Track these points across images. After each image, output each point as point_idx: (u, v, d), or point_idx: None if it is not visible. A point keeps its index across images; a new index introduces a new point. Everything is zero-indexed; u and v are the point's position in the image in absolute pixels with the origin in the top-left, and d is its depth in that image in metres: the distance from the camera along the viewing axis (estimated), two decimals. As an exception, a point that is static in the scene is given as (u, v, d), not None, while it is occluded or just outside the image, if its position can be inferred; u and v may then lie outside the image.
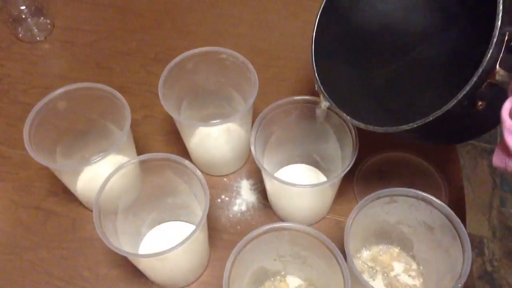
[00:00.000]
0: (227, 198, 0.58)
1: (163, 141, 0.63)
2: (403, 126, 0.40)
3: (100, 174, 0.55)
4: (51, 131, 0.52)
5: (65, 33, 0.74)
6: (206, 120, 0.62)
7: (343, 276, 0.40)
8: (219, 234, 0.56)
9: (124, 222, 0.50)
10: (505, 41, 0.36)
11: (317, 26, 0.48)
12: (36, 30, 0.72)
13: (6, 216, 0.57)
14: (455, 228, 0.43)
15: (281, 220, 0.56)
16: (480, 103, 0.38)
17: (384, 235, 0.52)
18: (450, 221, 0.44)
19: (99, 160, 0.49)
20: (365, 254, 0.52)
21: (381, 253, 0.52)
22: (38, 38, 0.72)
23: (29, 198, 0.58)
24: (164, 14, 0.76)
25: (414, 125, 0.40)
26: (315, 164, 0.58)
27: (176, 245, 0.42)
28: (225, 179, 0.60)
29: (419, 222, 0.47)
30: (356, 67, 0.51)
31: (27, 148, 0.48)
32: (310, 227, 0.43)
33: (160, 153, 0.47)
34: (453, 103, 0.37)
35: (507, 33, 0.35)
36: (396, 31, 0.51)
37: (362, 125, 0.44)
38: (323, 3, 0.48)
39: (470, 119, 0.42)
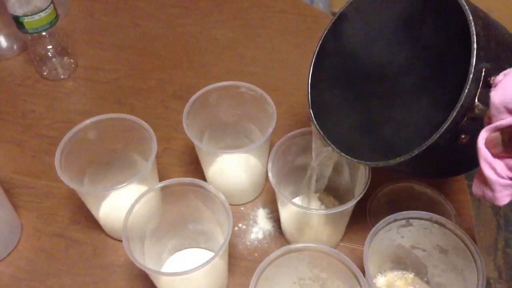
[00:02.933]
0: (244, 226, 0.60)
1: (182, 171, 0.65)
2: (391, 161, 0.41)
3: (122, 202, 0.57)
4: (79, 160, 0.55)
5: (87, 72, 0.78)
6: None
7: (364, 293, 0.42)
8: (237, 261, 0.57)
9: (148, 247, 0.51)
10: (482, 77, 0.37)
11: (312, 67, 0.52)
12: (60, 69, 0.76)
13: (29, 243, 0.58)
14: (469, 249, 0.45)
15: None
16: (463, 136, 0.39)
17: (398, 261, 0.53)
18: (463, 242, 0.45)
19: (125, 186, 0.51)
20: (381, 280, 0.53)
21: (396, 279, 0.53)
22: (62, 76, 0.76)
23: (52, 227, 0.60)
24: (181, 55, 0.80)
25: (401, 159, 0.41)
26: (329, 193, 0.60)
27: (201, 265, 0.44)
28: (242, 208, 0.62)
29: (433, 245, 0.49)
30: (349, 102, 0.53)
31: (58, 172, 0.50)
32: (331, 248, 0.44)
33: (185, 178, 0.50)
34: (435, 138, 0.38)
35: (484, 69, 0.37)
36: (383, 64, 0.52)
37: (354, 161, 0.45)
38: (318, 47, 0.52)
39: (458, 152, 0.42)
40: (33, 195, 0.63)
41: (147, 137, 0.54)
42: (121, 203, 0.57)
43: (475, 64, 0.37)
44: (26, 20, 0.67)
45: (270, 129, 0.54)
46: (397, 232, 0.49)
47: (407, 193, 0.63)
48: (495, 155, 0.34)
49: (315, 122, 0.49)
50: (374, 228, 0.46)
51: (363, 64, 0.53)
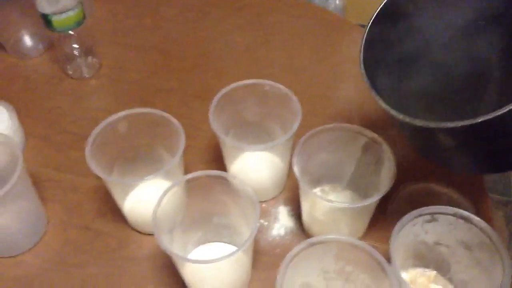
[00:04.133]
0: (266, 223, 0.61)
1: (204, 169, 0.66)
2: (447, 123, 0.38)
3: (148, 195, 0.58)
4: (108, 153, 0.56)
5: (111, 72, 0.79)
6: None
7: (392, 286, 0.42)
8: (259, 256, 0.58)
9: (175, 239, 0.52)
10: None
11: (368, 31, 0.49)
12: (85, 68, 0.78)
13: (56, 235, 0.59)
14: (495, 245, 0.46)
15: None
16: None
17: (421, 257, 0.54)
18: (490, 238, 0.46)
19: (151, 178, 0.52)
20: (403, 277, 0.54)
21: (418, 276, 0.54)
22: (86, 75, 0.78)
23: (78, 219, 0.61)
24: (202, 57, 0.82)
25: (459, 124, 0.38)
26: (351, 189, 0.61)
27: (231, 253, 0.45)
28: (263, 205, 0.63)
29: (457, 241, 0.50)
30: (407, 70, 0.52)
31: (88, 161, 0.51)
32: (358, 240, 0.45)
33: (213, 171, 0.51)
34: (508, 109, 0.36)
35: None
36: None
37: (400, 116, 0.43)
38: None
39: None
40: (59, 189, 0.64)
41: (174, 132, 0.55)
42: (146, 196, 0.58)
43: None
44: (54, 18, 0.69)
45: (296, 125, 0.55)
46: (421, 227, 0.49)
47: (427, 194, 0.63)
48: None
49: (366, 77, 0.47)
50: (400, 221, 0.47)
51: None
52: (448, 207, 0.48)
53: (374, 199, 0.49)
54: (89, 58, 0.78)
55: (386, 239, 0.58)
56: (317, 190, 0.61)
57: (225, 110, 0.59)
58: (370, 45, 0.49)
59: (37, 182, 0.64)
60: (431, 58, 0.54)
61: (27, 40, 0.82)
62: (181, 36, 0.86)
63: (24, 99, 0.75)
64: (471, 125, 0.37)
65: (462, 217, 0.47)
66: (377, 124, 0.68)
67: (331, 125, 0.55)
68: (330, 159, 0.58)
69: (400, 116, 0.43)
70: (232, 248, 0.57)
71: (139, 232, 0.60)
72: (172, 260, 0.51)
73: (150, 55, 0.82)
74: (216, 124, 0.56)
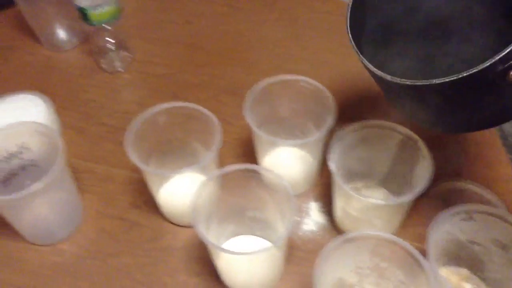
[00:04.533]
0: (297, 218, 0.62)
1: (236, 163, 0.66)
2: (434, 80, 0.40)
3: (182, 188, 0.59)
4: (145, 145, 0.57)
5: (143, 66, 0.80)
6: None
7: (429, 281, 0.42)
8: (291, 250, 0.58)
9: (209, 231, 0.53)
10: None
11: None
12: (117, 61, 0.79)
13: (91, 224, 0.61)
14: (531, 245, 0.46)
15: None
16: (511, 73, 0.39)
17: (453, 256, 0.54)
18: (526, 237, 0.46)
19: (188, 170, 0.53)
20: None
21: (450, 274, 0.54)
22: (119, 69, 0.79)
23: (113, 209, 0.62)
24: (231, 52, 0.83)
25: (445, 79, 0.40)
26: (384, 186, 0.61)
27: (268, 247, 0.45)
28: (294, 200, 0.63)
29: (492, 240, 0.50)
30: (385, 39, 0.54)
31: (127, 152, 0.52)
32: (395, 236, 0.45)
33: (250, 164, 0.52)
34: (490, 63, 0.38)
35: None
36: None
37: (388, 77, 0.44)
38: None
39: (496, 94, 0.43)
40: (94, 179, 0.65)
41: (210, 127, 0.56)
42: (181, 189, 0.59)
43: None
44: (91, 12, 0.70)
45: (331, 122, 0.55)
46: (457, 226, 0.49)
47: (459, 192, 0.63)
48: None
49: (353, 43, 0.49)
50: (437, 218, 0.47)
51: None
52: (485, 206, 0.48)
53: (411, 197, 0.50)
54: (122, 52, 0.79)
55: (418, 237, 0.58)
56: (349, 187, 0.61)
57: (258, 105, 0.60)
58: (356, 11, 0.50)
59: (73, 172, 0.65)
60: (412, 22, 0.56)
61: (62, 33, 0.83)
62: (211, 31, 0.87)
63: (59, 91, 0.76)
64: (456, 81, 0.39)
65: (499, 217, 0.47)
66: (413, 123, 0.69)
67: (366, 122, 0.55)
68: (364, 156, 0.58)
69: (388, 77, 0.44)
70: (265, 241, 0.58)
71: (173, 224, 0.61)
72: (206, 251, 0.52)
73: (180, 50, 0.83)
74: (250, 118, 0.57)
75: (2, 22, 0.88)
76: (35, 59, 0.82)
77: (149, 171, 0.54)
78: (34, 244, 0.59)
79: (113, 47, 0.78)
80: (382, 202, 0.52)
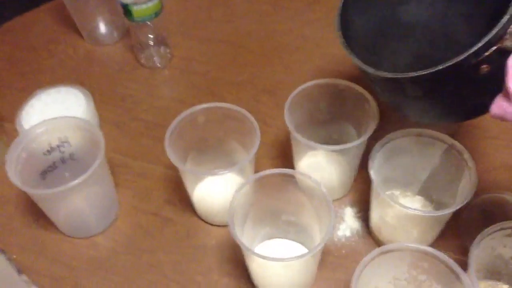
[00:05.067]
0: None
1: (272, 164, 0.67)
2: (412, 73, 0.43)
3: (217, 187, 0.59)
4: (184, 144, 0.57)
5: (182, 63, 0.81)
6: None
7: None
8: (325, 256, 0.58)
9: (244, 233, 0.53)
10: None
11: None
12: (157, 57, 0.79)
13: (127, 220, 0.61)
14: None
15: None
16: (485, 66, 0.41)
17: (493, 271, 0.52)
18: None
19: (226, 172, 0.53)
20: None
21: (489, 288, 0.52)
22: (158, 65, 0.79)
23: (148, 205, 0.62)
24: (273, 52, 0.82)
25: (422, 72, 0.42)
26: (422, 195, 0.60)
27: (304, 254, 0.45)
28: (330, 205, 0.62)
29: (536, 258, 0.48)
30: (375, 36, 0.57)
31: (167, 150, 0.53)
32: (435, 249, 0.44)
33: (286, 169, 0.51)
34: (463, 57, 0.40)
35: None
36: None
37: (371, 70, 0.47)
38: None
39: (471, 86, 0.45)
40: (131, 175, 0.66)
41: (248, 128, 0.56)
42: (216, 188, 0.59)
43: None
44: (134, 8, 0.70)
45: (372, 128, 0.54)
46: (500, 241, 0.48)
47: (499, 205, 0.61)
48: None
49: (343, 39, 0.51)
50: (480, 234, 0.45)
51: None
52: (531, 222, 0.46)
53: (452, 209, 0.48)
54: (162, 49, 0.80)
55: (456, 248, 0.57)
56: (386, 194, 0.60)
57: (298, 107, 0.59)
58: (346, 9, 0.53)
59: (110, 167, 0.65)
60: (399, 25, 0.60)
61: (103, 28, 0.84)
62: (252, 30, 0.86)
63: (98, 85, 0.77)
64: (433, 74, 0.42)
65: (545, 234, 0.46)
66: (459, 130, 0.67)
67: (408, 130, 0.54)
68: (403, 164, 0.57)
69: (371, 70, 0.47)
70: (298, 245, 0.57)
71: (207, 223, 0.61)
72: (238, 252, 0.52)
73: (220, 48, 0.83)
74: (289, 120, 0.56)
75: (46, 15, 0.90)
76: (77, 52, 0.83)
77: (186, 171, 0.54)
78: (70, 236, 0.60)
79: (153, 43, 0.78)
80: (421, 213, 0.50)
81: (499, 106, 0.40)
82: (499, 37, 0.40)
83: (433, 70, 0.42)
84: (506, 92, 0.39)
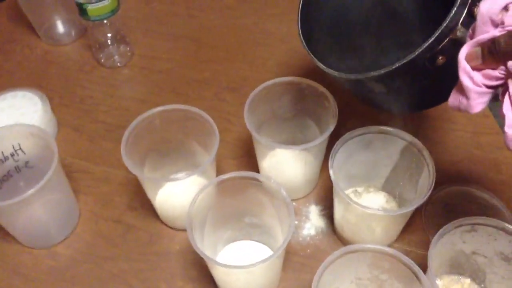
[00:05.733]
0: (296, 222, 0.60)
1: (235, 164, 0.66)
2: (372, 73, 0.44)
3: (179, 191, 0.58)
4: (141, 147, 0.56)
5: (143, 61, 0.79)
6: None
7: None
8: (289, 256, 0.57)
9: (206, 237, 0.52)
10: (468, 4, 0.41)
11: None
12: (117, 56, 0.77)
13: (87, 227, 0.60)
14: (536, 260, 0.44)
15: (346, 245, 0.58)
16: (441, 57, 0.43)
17: (456, 265, 0.52)
18: (531, 251, 0.44)
19: (186, 177, 0.52)
20: (437, 283, 0.53)
21: (452, 283, 0.53)
22: (118, 64, 0.77)
23: (110, 212, 0.61)
24: (236, 47, 0.81)
25: (381, 71, 0.44)
26: (386, 190, 0.60)
27: (264, 259, 0.44)
28: (294, 204, 0.62)
29: (496, 252, 0.48)
30: (337, 32, 0.58)
31: (124, 159, 0.51)
32: (394, 250, 0.44)
33: (247, 172, 0.50)
34: (418, 52, 0.42)
35: None
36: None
37: (335, 73, 0.48)
38: None
39: (430, 77, 0.46)
40: (91, 180, 0.64)
41: (208, 129, 0.55)
42: (178, 192, 0.58)
43: None
44: (89, 7, 0.68)
45: (332, 126, 0.54)
46: (460, 237, 0.48)
47: (463, 197, 0.62)
48: (473, 68, 0.38)
49: (304, 43, 0.52)
50: (440, 232, 0.45)
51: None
52: (490, 218, 0.46)
53: (411, 207, 0.48)
54: (122, 47, 0.78)
55: (420, 243, 0.57)
56: (350, 191, 0.60)
57: (259, 105, 0.59)
58: (307, 7, 0.54)
59: (69, 172, 0.64)
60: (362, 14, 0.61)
61: (60, 27, 0.82)
62: (215, 25, 0.85)
63: (57, 87, 0.75)
64: (391, 71, 0.43)
65: (504, 230, 0.46)
66: (417, 127, 0.67)
67: (369, 128, 0.54)
68: (366, 160, 0.56)
69: (336, 74, 0.48)
70: (263, 246, 0.57)
71: (170, 227, 0.60)
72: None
73: (183, 44, 0.81)
74: (250, 120, 0.55)
75: (1, 14, 0.87)
76: (34, 53, 0.81)
77: (145, 179, 0.53)
78: (29, 247, 0.58)
79: (112, 42, 0.76)
80: (381, 213, 0.50)
81: (455, 97, 0.40)
82: (451, 29, 0.41)
83: (390, 69, 0.43)
84: (459, 85, 0.39)
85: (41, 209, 0.55)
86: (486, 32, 0.37)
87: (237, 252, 0.57)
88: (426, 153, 0.51)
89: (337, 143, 0.53)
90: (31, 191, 0.49)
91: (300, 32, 0.53)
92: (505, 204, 0.60)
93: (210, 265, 0.49)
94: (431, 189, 0.49)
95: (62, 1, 0.78)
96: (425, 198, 0.48)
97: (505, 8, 0.36)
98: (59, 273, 0.56)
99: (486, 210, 0.60)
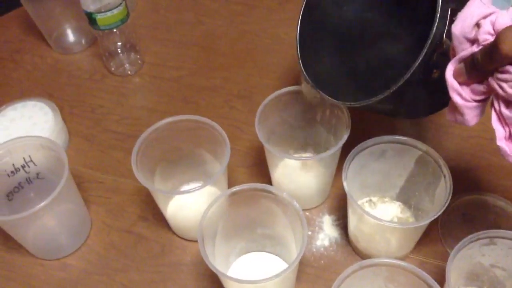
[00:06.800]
0: (309, 232, 0.59)
1: (246, 173, 0.65)
2: (373, 98, 0.46)
3: (191, 201, 0.58)
4: (152, 157, 0.55)
5: (153, 69, 0.78)
6: (291, 153, 0.64)
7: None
8: (303, 267, 0.56)
9: (217, 249, 0.51)
10: (448, 16, 0.42)
11: (300, 21, 0.56)
12: (127, 65, 0.77)
13: (99, 238, 0.59)
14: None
15: (361, 256, 0.57)
16: (435, 70, 0.44)
17: (474, 278, 0.51)
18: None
19: (197, 189, 0.51)
20: (454, 296, 0.52)
21: (470, 295, 0.52)
22: (129, 72, 0.77)
23: (121, 222, 0.61)
24: (246, 54, 0.80)
25: (382, 96, 0.45)
26: (401, 200, 0.59)
27: (276, 274, 0.43)
28: (307, 214, 0.61)
29: (515, 265, 0.47)
30: (336, 56, 0.59)
31: (134, 171, 0.51)
32: (410, 264, 0.43)
33: (259, 184, 0.49)
34: (409, 74, 0.43)
35: (450, 9, 0.42)
36: (362, 25, 0.60)
37: (340, 103, 0.50)
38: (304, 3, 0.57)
39: (432, 87, 0.46)
40: (102, 190, 0.64)
41: (219, 139, 0.54)
42: (189, 203, 0.58)
43: (441, 4, 0.41)
44: (99, 16, 0.68)
45: (345, 136, 0.53)
46: (478, 250, 0.47)
47: (480, 206, 0.60)
48: (461, 84, 0.38)
49: (302, 66, 0.54)
50: (458, 246, 0.44)
51: (342, 18, 0.60)
52: (508, 231, 0.45)
53: (428, 220, 0.47)
54: (132, 55, 0.77)
55: (437, 254, 0.56)
56: (364, 201, 0.59)
57: (271, 114, 0.58)
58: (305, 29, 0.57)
59: (80, 183, 0.64)
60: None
61: (70, 35, 0.82)
62: (224, 32, 0.84)
63: (67, 96, 0.75)
64: (392, 93, 0.44)
65: (524, 242, 0.45)
66: (432, 135, 0.66)
67: (383, 137, 0.53)
68: (380, 170, 0.56)
69: (340, 103, 0.50)
70: (276, 258, 0.56)
71: (182, 238, 0.59)
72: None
73: (192, 52, 0.81)
74: (261, 129, 0.54)
75: (11, 24, 0.87)
76: (44, 62, 0.81)
77: (155, 190, 0.53)
78: (40, 258, 0.58)
79: (122, 50, 0.76)
80: (396, 225, 0.49)
81: (451, 113, 0.41)
82: (436, 44, 0.42)
83: (386, 94, 0.45)
84: (452, 103, 0.40)
85: (53, 221, 0.55)
86: (465, 50, 0.38)
87: (250, 264, 0.56)
88: (442, 162, 0.50)
89: (349, 155, 0.52)
90: (42, 204, 0.49)
91: (299, 58, 0.55)
92: (523, 212, 0.59)
93: (221, 278, 0.48)
94: (448, 200, 0.47)
95: (72, 9, 0.78)
96: (442, 210, 0.47)
97: (477, 25, 0.36)
98: (71, 285, 0.56)
99: (504, 219, 0.59)
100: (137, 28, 0.83)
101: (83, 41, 0.82)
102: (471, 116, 0.39)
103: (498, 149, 0.38)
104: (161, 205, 0.56)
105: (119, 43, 0.74)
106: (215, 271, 0.44)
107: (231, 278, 0.44)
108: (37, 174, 0.58)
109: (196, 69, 0.78)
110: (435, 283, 0.42)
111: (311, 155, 0.64)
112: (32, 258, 0.58)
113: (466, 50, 0.37)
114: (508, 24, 0.35)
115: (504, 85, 0.35)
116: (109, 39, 0.74)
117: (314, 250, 0.58)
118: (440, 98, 0.48)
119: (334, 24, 0.59)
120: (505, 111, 0.36)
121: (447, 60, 0.40)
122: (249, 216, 0.53)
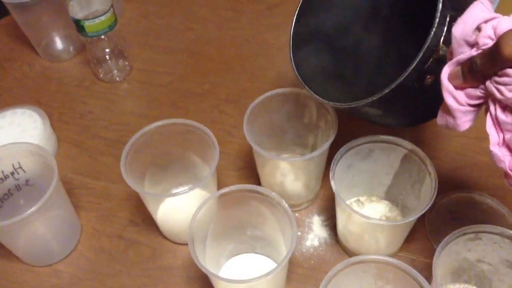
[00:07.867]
0: (299, 233, 0.60)
1: (236, 175, 0.65)
2: (364, 100, 0.45)
3: (181, 205, 0.58)
4: (141, 161, 0.56)
5: (142, 75, 0.79)
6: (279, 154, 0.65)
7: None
8: (293, 267, 0.57)
9: (208, 251, 0.52)
10: (447, 22, 0.42)
11: (294, 21, 0.56)
12: (116, 71, 0.77)
13: (89, 243, 0.60)
14: (542, 266, 0.44)
15: (350, 255, 0.57)
16: (428, 76, 0.44)
17: (461, 273, 0.52)
18: (537, 259, 0.44)
19: (186, 192, 0.51)
20: (442, 292, 0.52)
21: (458, 292, 0.52)
22: (117, 78, 0.77)
23: (111, 227, 0.61)
24: (234, 59, 0.81)
25: (373, 98, 0.44)
26: (388, 199, 0.60)
27: (266, 273, 0.44)
28: (296, 214, 0.61)
29: (501, 260, 0.48)
30: (329, 59, 0.59)
31: (123, 175, 0.51)
32: (399, 261, 0.44)
33: (248, 185, 0.50)
34: (403, 77, 0.42)
35: (448, 16, 0.42)
36: (356, 30, 0.60)
37: (331, 103, 0.50)
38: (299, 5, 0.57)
39: (424, 94, 0.46)
40: (92, 196, 0.64)
41: (208, 143, 0.55)
42: (179, 206, 0.58)
43: (441, 11, 0.41)
44: (86, 23, 0.68)
45: (332, 137, 0.53)
46: (464, 246, 0.47)
47: (467, 204, 0.61)
48: (456, 87, 0.38)
49: (295, 69, 0.53)
50: (444, 241, 0.45)
51: (336, 23, 0.59)
52: (494, 226, 0.46)
53: (414, 217, 0.48)
54: (120, 62, 0.78)
55: (425, 251, 0.57)
56: (352, 200, 0.60)
57: (259, 116, 0.58)
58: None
59: (70, 189, 0.64)
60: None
61: (59, 43, 0.82)
62: (213, 37, 0.85)
63: (56, 103, 0.75)
64: (381, 97, 0.44)
65: (509, 237, 0.45)
66: (419, 134, 0.67)
67: (370, 137, 0.53)
68: (367, 170, 0.56)
69: (331, 104, 0.50)
70: (266, 259, 0.57)
71: (172, 242, 0.59)
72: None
73: (181, 57, 0.81)
74: (249, 131, 0.55)
75: (-1, 32, 0.87)
76: (33, 70, 0.81)
77: (144, 194, 0.53)
78: (31, 265, 0.58)
79: (110, 57, 0.76)
80: (383, 222, 0.50)
81: (442, 116, 0.40)
82: (433, 49, 0.42)
83: (379, 96, 0.44)
84: (444, 106, 0.40)
85: (43, 227, 0.55)
86: (463, 53, 0.37)
87: (240, 266, 0.56)
88: (427, 161, 0.51)
89: (337, 154, 0.53)
90: (31, 209, 0.49)
91: (292, 60, 0.54)
92: (509, 210, 0.59)
93: (212, 279, 0.49)
94: (434, 197, 0.48)
95: (60, 17, 0.79)
96: (427, 207, 0.48)
97: (478, 29, 0.36)
98: (62, 291, 0.56)
99: (491, 217, 0.60)
100: (125, 34, 0.83)
101: (71, 49, 0.82)
102: (463, 120, 0.39)
103: (490, 155, 0.38)
104: (151, 209, 0.57)
105: (107, 50, 0.75)
106: (206, 272, 0.44)
107: (221, 278, 0.44)
108: (27, 180, 0.58)
109: (185, 74, 0.79)
110: (423, 278, 0.43)
111: (299, 156, 0.65)
112: (23, 265, 0.58)
113: (465, 53, 0.37)
114: (510, 28, 0.34)
115: (503, 88, 0.35)
116: (97, 46, 0.74)
117: (304, 250, 0.58)
118: (430, 107, 0.47)
119: (328, 28, 0.59)
120: (501, 115, 0.36)
121: (441, 66, 0.40)
122: (239, 217, 0.53)
